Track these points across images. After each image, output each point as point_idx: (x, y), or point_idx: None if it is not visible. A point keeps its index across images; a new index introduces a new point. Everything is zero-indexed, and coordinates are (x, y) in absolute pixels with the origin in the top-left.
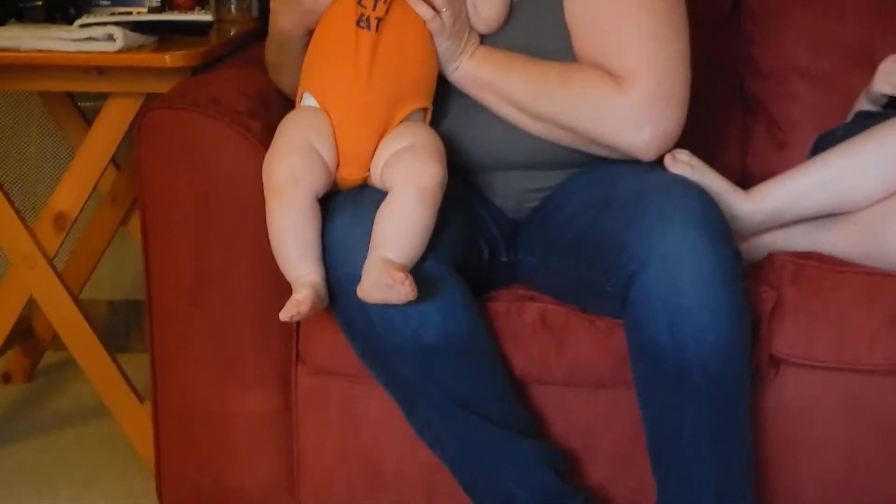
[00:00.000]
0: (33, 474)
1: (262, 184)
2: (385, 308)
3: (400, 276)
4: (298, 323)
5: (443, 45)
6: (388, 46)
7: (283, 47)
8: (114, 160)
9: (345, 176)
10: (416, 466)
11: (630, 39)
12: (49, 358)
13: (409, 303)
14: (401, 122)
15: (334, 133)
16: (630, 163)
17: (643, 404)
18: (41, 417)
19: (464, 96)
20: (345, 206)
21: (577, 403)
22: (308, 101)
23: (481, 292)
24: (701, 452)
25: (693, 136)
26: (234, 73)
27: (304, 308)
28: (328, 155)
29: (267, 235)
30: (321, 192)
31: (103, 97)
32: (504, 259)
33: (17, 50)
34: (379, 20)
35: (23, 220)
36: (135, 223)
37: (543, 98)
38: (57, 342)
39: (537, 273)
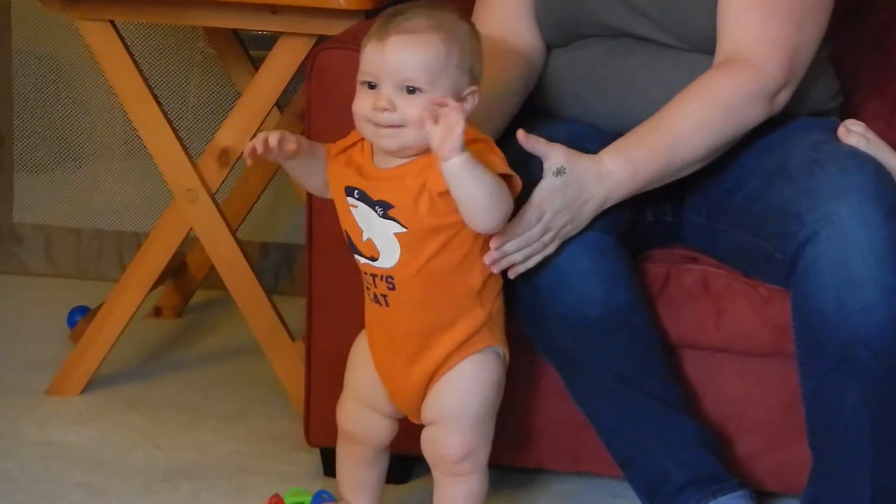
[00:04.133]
0: (179, 408)
1: None
2: (550, 278)
3: None
4: None
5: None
6: (399, 314)
7: None
8: (277, 103)
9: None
10: None
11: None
12: (199, 296)
13: (573, 275)
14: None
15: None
16: (802, 132)
17: (803, 375)
18: (189, 353)
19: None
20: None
21: (731, 372)
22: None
23: (641, 251)
24: (861, 428)
25: (864, 116)
26: None
27: None
28: (384, 407)
29: None
30: (386, 442)
31: (271, 46)
32: (669, 219)
33: None
34: (384, 296)
35: (187, 153)
36: None
37: (703, 136)
38: (208, 281)
39: (701, 234)
